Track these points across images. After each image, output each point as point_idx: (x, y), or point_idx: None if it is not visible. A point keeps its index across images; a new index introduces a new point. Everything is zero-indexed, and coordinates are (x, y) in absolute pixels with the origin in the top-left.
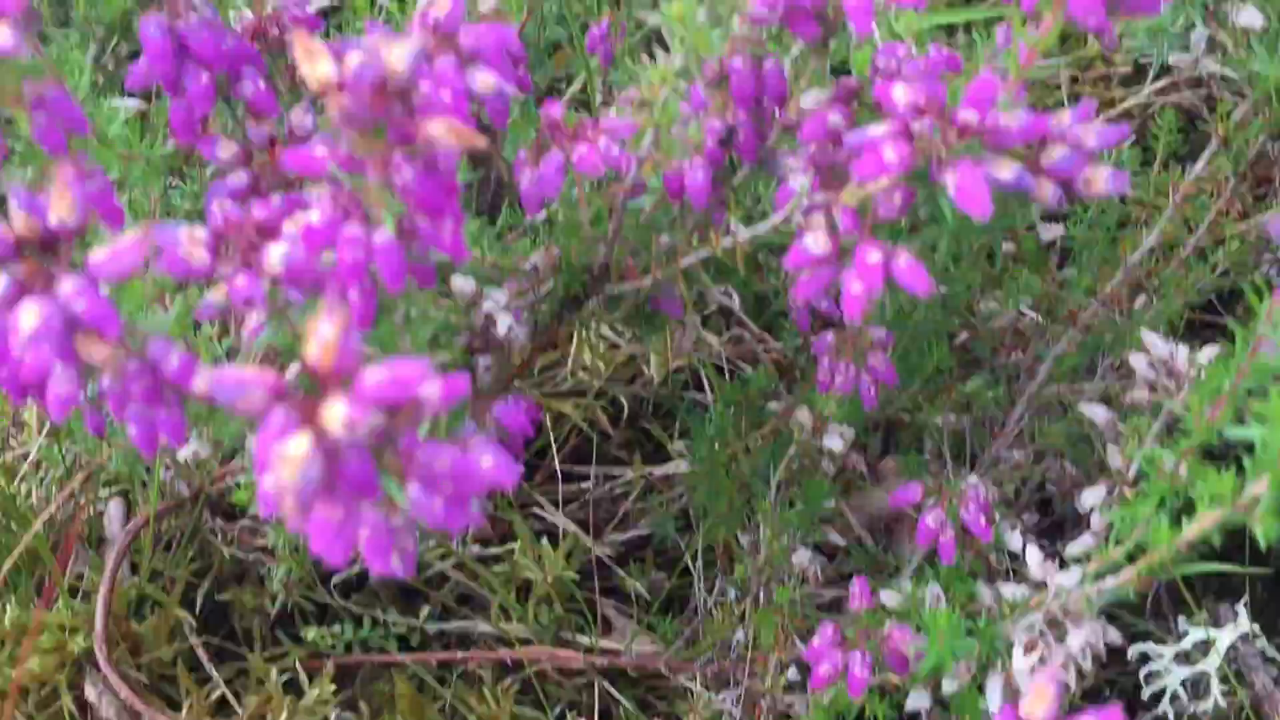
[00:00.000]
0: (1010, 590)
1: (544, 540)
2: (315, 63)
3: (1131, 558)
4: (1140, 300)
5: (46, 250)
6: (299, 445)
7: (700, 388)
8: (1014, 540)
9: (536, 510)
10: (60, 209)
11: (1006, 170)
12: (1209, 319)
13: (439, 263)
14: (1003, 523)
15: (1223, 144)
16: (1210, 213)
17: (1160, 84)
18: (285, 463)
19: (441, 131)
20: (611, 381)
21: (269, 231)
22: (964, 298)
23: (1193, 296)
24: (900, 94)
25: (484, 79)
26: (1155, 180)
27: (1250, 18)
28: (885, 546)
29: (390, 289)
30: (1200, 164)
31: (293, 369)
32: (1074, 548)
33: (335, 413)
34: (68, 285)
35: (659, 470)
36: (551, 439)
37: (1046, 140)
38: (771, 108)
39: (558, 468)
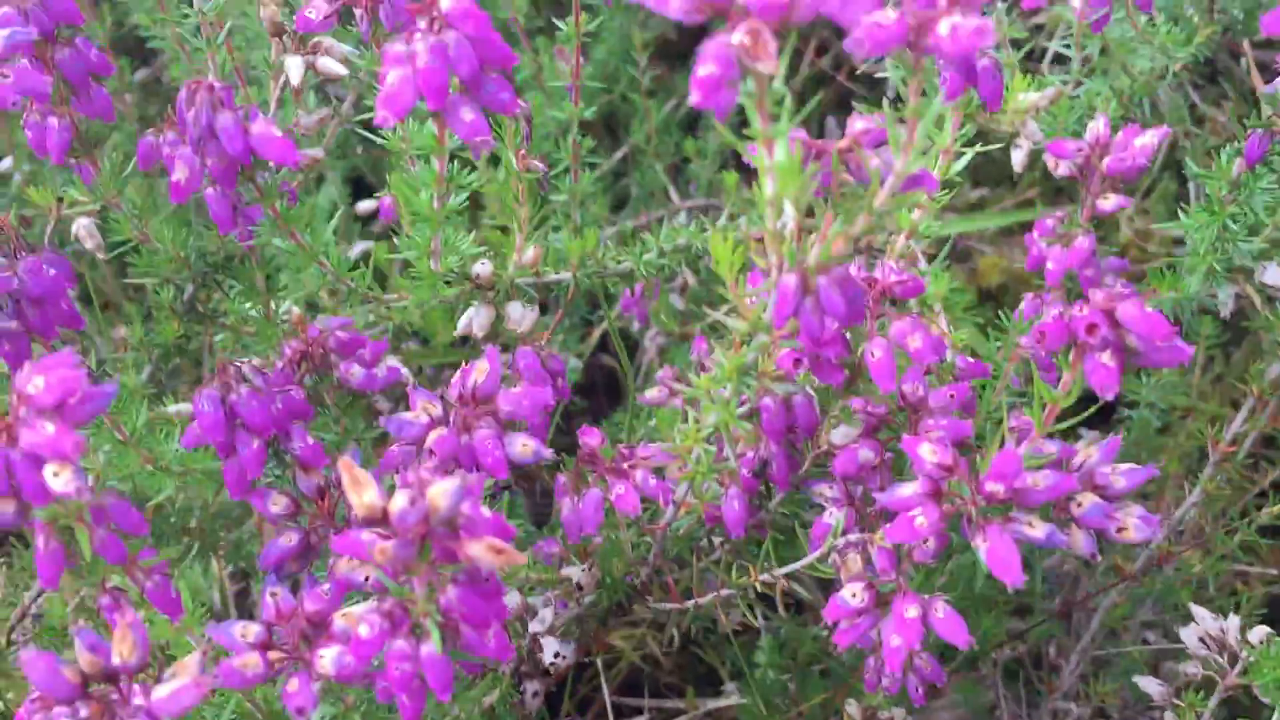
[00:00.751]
0: None
1: None
2: (362, 492)
3: None
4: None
5: (109, 682)
6: None
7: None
8: None
9: None
10: (123, 650)
11: (1037, 530)
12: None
13: None
14: None
15: (1259, 401)
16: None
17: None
18: None
19: (482, 552)
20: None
21: (320, 624)
22: None
23: (1239, 554)
24: (928, 454)
25: (524, 445)
26: (1197, 384)
27: (1274, 276)
28: None
29: (439, 698)
30: (1237, 423)
31: None
32: None
33: None
34: None
35: (712, 704)
36: (603, 678)
37: (1075, 491)
38: (803, 436)
39: (608, 704)
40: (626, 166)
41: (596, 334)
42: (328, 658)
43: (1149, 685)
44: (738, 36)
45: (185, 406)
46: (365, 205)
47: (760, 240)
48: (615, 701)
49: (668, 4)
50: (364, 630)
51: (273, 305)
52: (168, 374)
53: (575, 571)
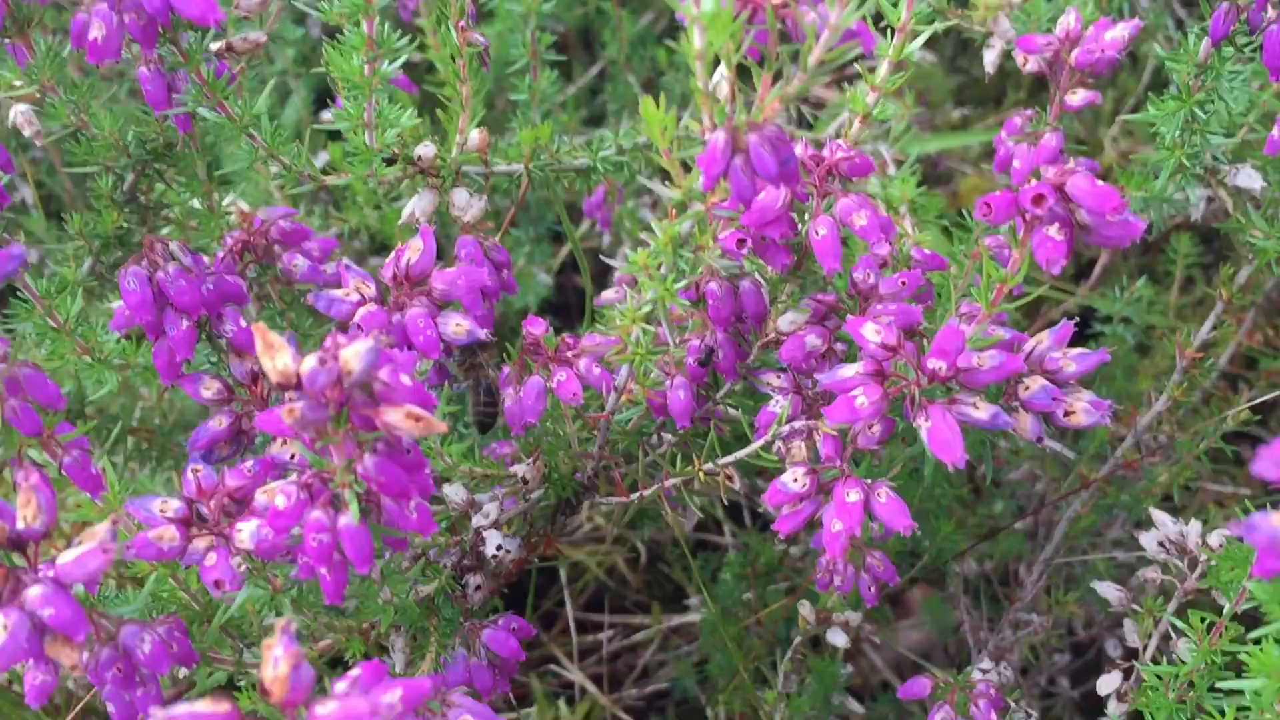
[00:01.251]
0: None
1: (561, 701)
2: (275, 356)
3: None
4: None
5: (15, 550)
6: None
7: (720, 530)
8: None
9: (554, 667)
10: (26, 514)
11: (982, 412)
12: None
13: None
14: (1017, 713)
15: (1227, 306)
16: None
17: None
18: None
19: (400, 419)
20: (629, 527)
21: (242, 500)
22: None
23: (1203, 464)
24: (871, 333)
25: (457, 325)
26: (1175, 303)
27: (1248, 179)
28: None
29: (358, 570)
30: (1205, 328)
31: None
32: None
33: None
34: (35, 592)
35: (678, 619)
36: (567, 594)
37: (1024, 374)
38: (751, 325)
39: (572, 624)
40: (602, 84)
41: (565, 251)
42: (246, 531)
43: (1108, 591)
44: None
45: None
46: (329, 115)
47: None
48: (579, 617)
49: None
50: (281, 501)
51: (216, 197)
52: (109, 267)
53: (521, 467)
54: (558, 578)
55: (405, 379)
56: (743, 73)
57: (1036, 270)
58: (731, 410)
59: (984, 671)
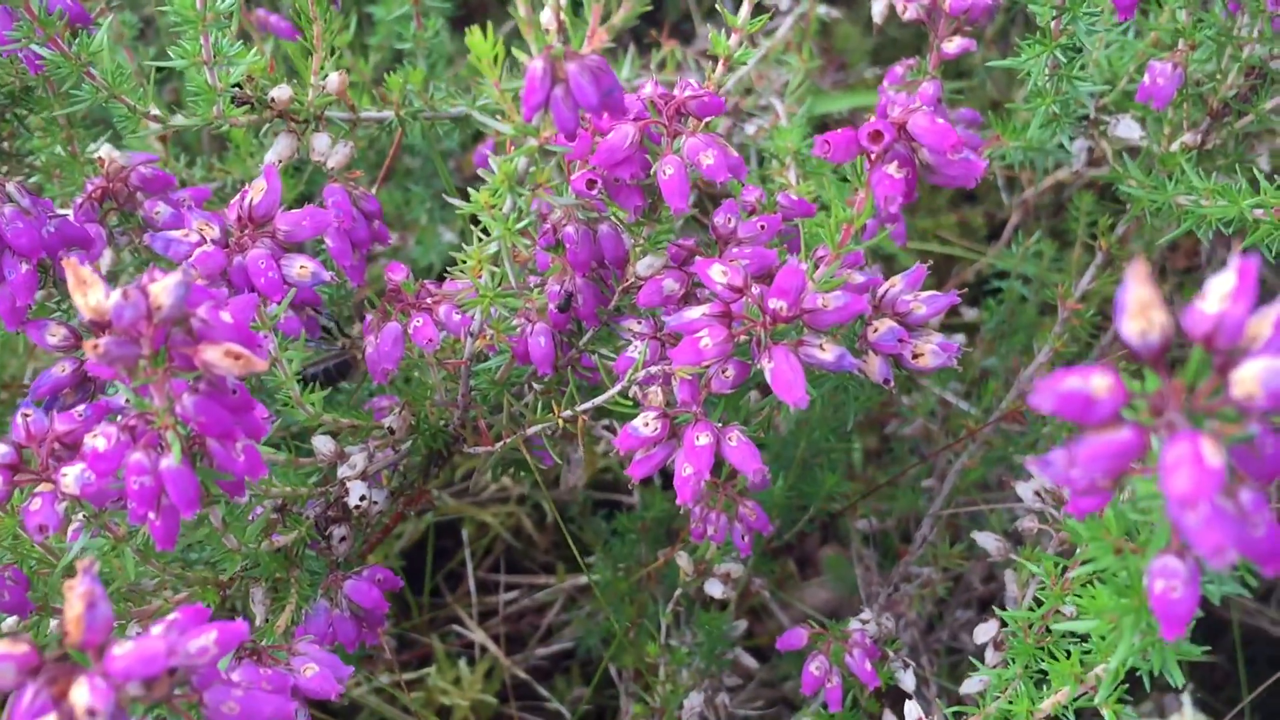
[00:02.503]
0: None
1: (463, 661)
2: (87, 292)
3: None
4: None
5: None
6: None
7: (628, 490)
8: (907, 680)
9: (457, 628)
10: None
11: (828, 353)
12: None
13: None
14: (895, 662)
15: (1108, 257)
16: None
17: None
18: None
19: (219, 357)
20: (536, 486)
21: (71, 445)
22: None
23: None
24: (718, 274)
25: (301, 267)
26: (1077, 261)
27: (1127, 129)
28: None
29: (184, 514)
30: (1085, 279)
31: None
32: (967, 686)
33: (80, 698)
34: None
35: (583, 579)
36: (468, 554)
37: (873, 314)
38: (612, 270)
39: (472, 584)
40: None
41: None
42: (70, 475)
43: (987, 541)
44: None
45: None
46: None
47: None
48: (485, 578)
49: None
50: (101, 444)
51: (79, 144)
52: None
53: (389, 418)
54: (462, 539)
55: (226, 316)
56: (576, 6)
57: (949, 230)
58: (595, 356)
59: (863, 622)
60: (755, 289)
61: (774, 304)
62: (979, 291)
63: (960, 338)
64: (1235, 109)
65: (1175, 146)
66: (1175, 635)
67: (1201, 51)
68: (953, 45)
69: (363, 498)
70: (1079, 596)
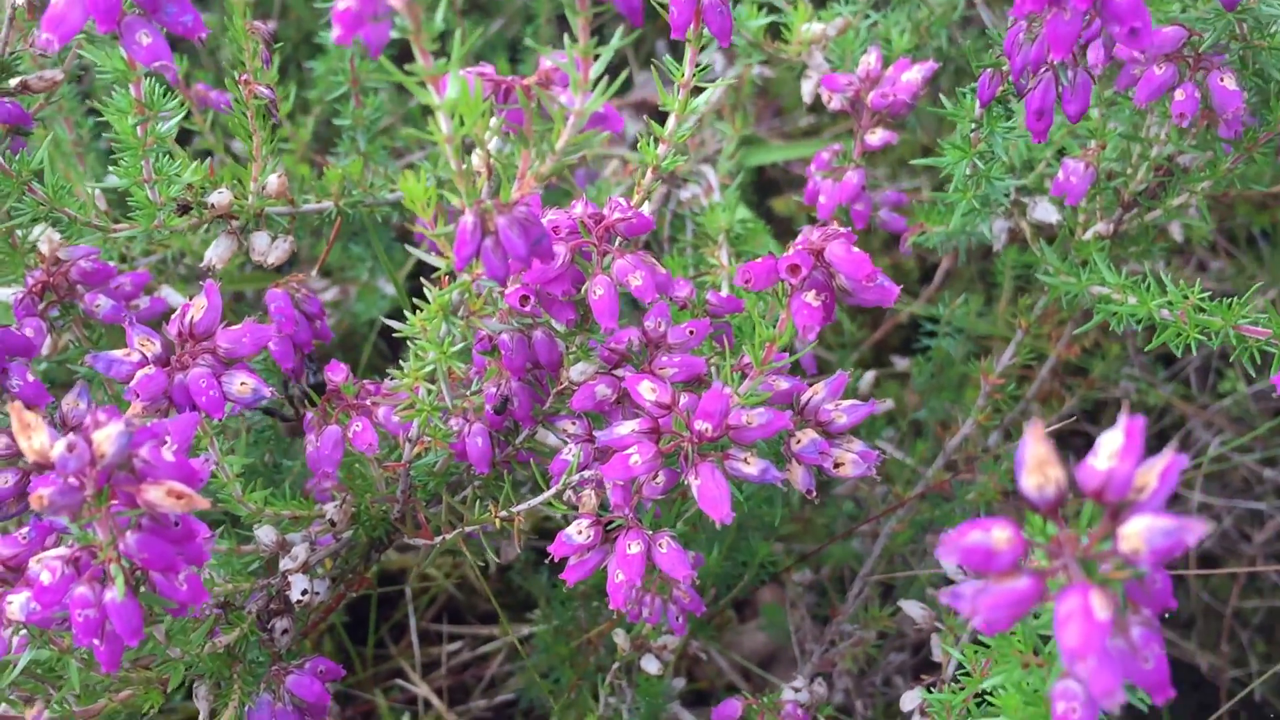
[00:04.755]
0: None
1: (407, 716)
2: (31, 437)
3: None
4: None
5: None
6: None
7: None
8: None
9: (400, 681)
10: None
11: (752, 467)
12: None
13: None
14: None
15: (1025, 333)
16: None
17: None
18: None
19: (161, 497)
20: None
21: (14, 569)
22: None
23: (1006, 482)
24: (647, 391)
25: (242, 384)
26: (1003, 313)
27: (1044, 212)
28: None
29: (128, 643)
30: (1006, 356)
31: None
32: None
33: None
34: None
35: (526, 630)
36: (411, 608)
37: (795, 426)
38: (546, 373)
39: (415, 638)
40: None
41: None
42: (16, 604)
43: (913, 609)
44: None
45: None
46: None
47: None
48: (428, 629)
49: None
50: (46, 577)
51: (20, 235)
52: None
53: (330, 508)
54: (402, 590)
55: (168, 454)
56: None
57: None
58: (528, 455)
59: (795, 690)
60: (683, 400)
61: (700, 425)
62: (912, 332)
63: (882, 437)
64: (1144, 204)
65: (1089, 235)
66: None
67: (1111, 149)
68: (875, 137)
69: (304, 591)
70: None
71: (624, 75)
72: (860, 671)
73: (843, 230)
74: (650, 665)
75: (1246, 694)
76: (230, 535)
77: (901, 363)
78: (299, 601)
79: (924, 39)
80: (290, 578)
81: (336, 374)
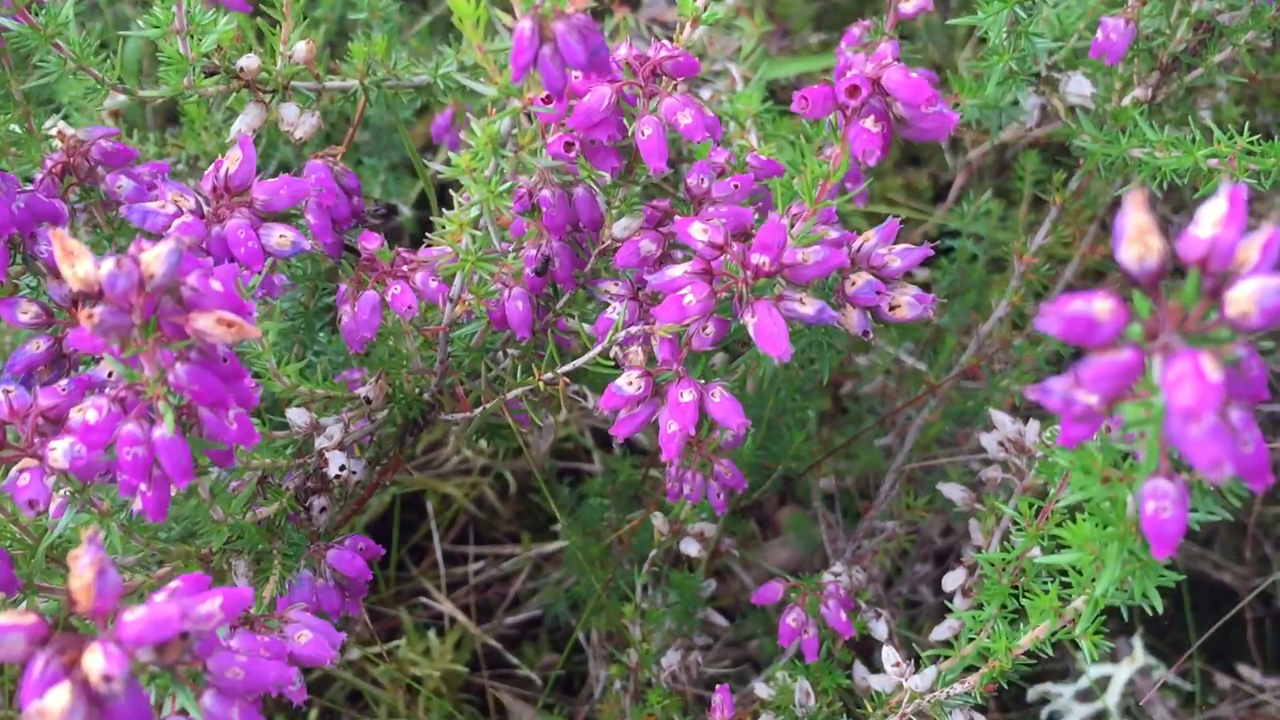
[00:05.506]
0: (879, 682)
1: (432, 632)
2: (75, 263)
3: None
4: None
5: None
6: (59, 699)
7: (589, 457)
8: (879, 629)
9: (424, 600)
10: None
11: (808, 307)
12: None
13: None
14: (867, 613)
15: (1060, 212)
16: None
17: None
18: (47, 717)
19: (211, 325)
20: (492, 454)
21: (57, 420)
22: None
23: (1043, 365)
24: (699, 232)
25: (280, 236)
26: (1024, 218)
27: (1079, 85)
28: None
29: (177, 484)
30: (1041, 235)
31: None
32: (937, 632)
33: (94, 664)
34: None
35: (549, 547)
36: (434, 525)
37: (849, 268)
38: (588, 233)
39: (439, 556)
40: None
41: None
42: (59, 449)
43: (952, 491)
44: None
45: None
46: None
47: None
48: (450, 550)
49: None
50: (92, 416)
51: (35, 120)
52: None
53: (364, 387)
54: (427, 512)
55: (216, 284)
56: None
57: (895, 192)
58: (572, 319)
59: (835, 575)
60: (735, 246)
61: (756, 259)
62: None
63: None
64: (1185, 63)
65: (1126, 101)
66: (1166, 554)
67: (1150, 6)
68: (910, 5)
69: (342, 467)
70: (1053, 536)
71: None
72: (887, 581)
73: (893, 59)
74: (690, 548)
75: (1269, 605)
76: (262, 420)
77: (921, 274)
78: (336, 478)
79: None
80: (327, 455)
81: (371, 243)
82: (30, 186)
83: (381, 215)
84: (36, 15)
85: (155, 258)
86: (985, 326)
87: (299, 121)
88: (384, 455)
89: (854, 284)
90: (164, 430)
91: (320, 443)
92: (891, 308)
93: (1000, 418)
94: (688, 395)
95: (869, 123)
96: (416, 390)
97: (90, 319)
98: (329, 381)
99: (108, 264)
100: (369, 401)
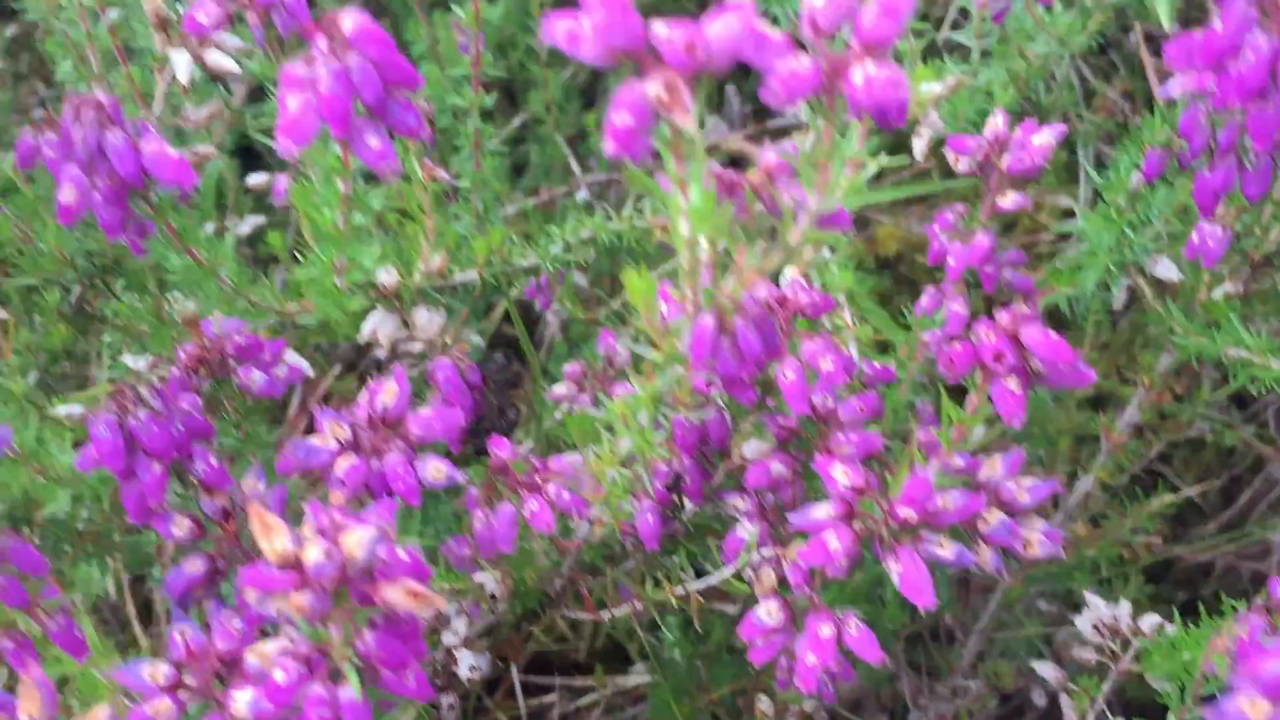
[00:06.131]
0: None
1: None
2: (273, 539)
3: None
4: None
5: None
6: None
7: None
8: None
9: None
10: (29, 709)
11: (947, 551)
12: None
13: None
14: None
15: (1148, 391)
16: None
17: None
18: None
19: (400, 596)
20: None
21: (232, 663)
22: None
23: (1128, 537)
24: (840, 475)
25: (435, 470)
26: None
27: (1166, 269)
28: None
29: None
30: (1129, 412)
31: None
32: None
33: None
34: None
35: (622, 681)
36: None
37: (981, 511)
38: (716, 449)
39: (517, 684)
40: (525, 132)
41: (500, 309)
42: (242, 701)
43: (1045, 670)
44: (653, 88)
45: (75, 409)
46: (256, 180)
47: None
48: (524, 680)
49: (580, 47)
50: (280, 676)
51: (164, 304)
52: (56, 379)
53: (488, 580)
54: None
55: (401, 553)
56: None
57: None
58: (697, 529)
59: None
60: (873, 482)
61: (903, 512)
62: None
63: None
64: (1276, 263)
65: (1218, 294)
66: None
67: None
68: (1008, 200)
69: (473, 666)
70: None
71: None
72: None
73: (1032, 313)
74: None
75: None
76: None
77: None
78: (468, 678)
79: (1024, 91)
80: (456, 653)
81: (502, 449)
82: (165, 380)
83: (501, 366)
84: (201, 251)
85: (357, 544)
86: (1072, 500)
87: (429, 323)
88: (499, 642)
89: (988, 524)
90: (349, 692)
91: (447, 640)
92: (1024, 547)
93: (1094, 600)
94: (827, 630)
95: (1012, 384)
96: (538, 585)
97: (299, 608)
98: (453, 572)
99: (315, 552)
100: (494, 598)
